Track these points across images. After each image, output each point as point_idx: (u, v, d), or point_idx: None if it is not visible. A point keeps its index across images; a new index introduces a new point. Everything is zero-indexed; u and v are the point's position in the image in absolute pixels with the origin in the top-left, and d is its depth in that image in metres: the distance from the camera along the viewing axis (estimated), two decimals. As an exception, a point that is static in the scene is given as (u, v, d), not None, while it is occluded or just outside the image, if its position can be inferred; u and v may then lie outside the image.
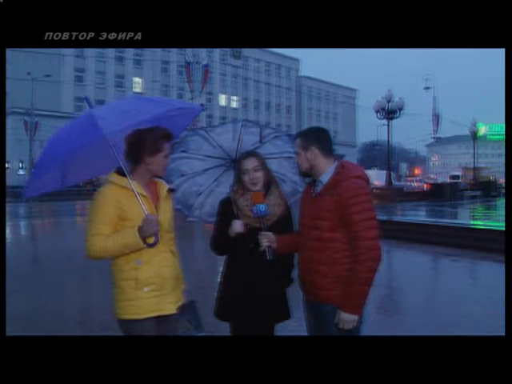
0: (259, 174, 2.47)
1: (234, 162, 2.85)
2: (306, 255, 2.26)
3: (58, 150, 2.15)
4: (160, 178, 2.33)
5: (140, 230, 2.08)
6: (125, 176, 2.14)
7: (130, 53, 43.09)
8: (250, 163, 2.48)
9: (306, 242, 2.25)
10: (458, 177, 38.57)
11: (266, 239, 2.35)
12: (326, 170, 2.22)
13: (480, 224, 10.30)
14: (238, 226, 2.43)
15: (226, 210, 2.54)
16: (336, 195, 2.13)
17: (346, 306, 2.12)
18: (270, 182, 2.54)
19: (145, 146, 2.15)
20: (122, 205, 2.13)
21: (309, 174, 2.29)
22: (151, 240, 2.13)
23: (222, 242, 2.54)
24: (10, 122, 33.30)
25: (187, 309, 2.41)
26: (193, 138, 2.93)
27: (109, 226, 2.12)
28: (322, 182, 2.22)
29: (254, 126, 2.93)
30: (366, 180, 2.24)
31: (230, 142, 2.87)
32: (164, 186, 2.29)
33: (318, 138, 2.26)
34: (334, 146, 2.32)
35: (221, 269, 2.67)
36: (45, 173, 2.25)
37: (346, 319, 2.12)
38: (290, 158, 2.85)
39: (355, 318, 2.12)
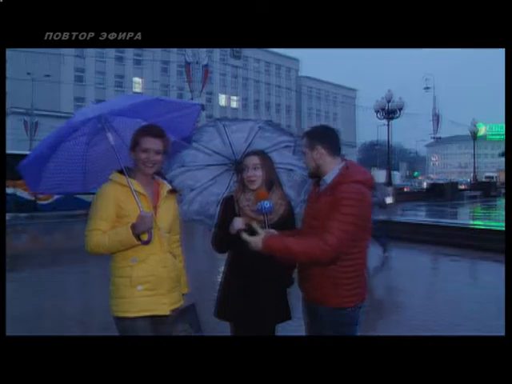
0: (258, 173, 2.47)
1: (237, 164, 2.82)
2: None
3: (45, 147, 2.32)
4: (163, 177, 2.37)
5: (134, 226, 2.11)
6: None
7: (130, 53, 42.97)
8: (250, 161, 2.48)
9: None
10: (491, 177, 43.21)
11: None
12: (331, 169, 2.20)
13: (480, 224, 10.29)
14: (238, 223, 2.43)
15: (228, 208, 2.53)
16: (332, 196, 2.12)
17: (268, 241, 2.08)
18: (272, 183, 2.54)
19: (131, 141, 2.23)
20: (120, 202, 2.17)
21: (317, 175, 2.27)
22: (145, 237, 2.15)
23: (223, 239, 2.54)
24: (9, 122, 33.23)
25: (188, 312, 2.41)
26: (208, 128, 2.87)
27: (107, 222, 2.16)
28: (326, 182, 2.21)
29: (271, 131, 2.86)
30: (369, 185, 2.19)
31: (242, 142, 2.82)
32: (165, 187, 2.31)
33: (324, 137, 2.24)
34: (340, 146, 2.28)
35: (220, 269, 2.66)
36: (51, 173, 2.37)
37: (254, 240, 2.09)
38: (287, 146, 2.83)
39: (259, 246, 2.08)
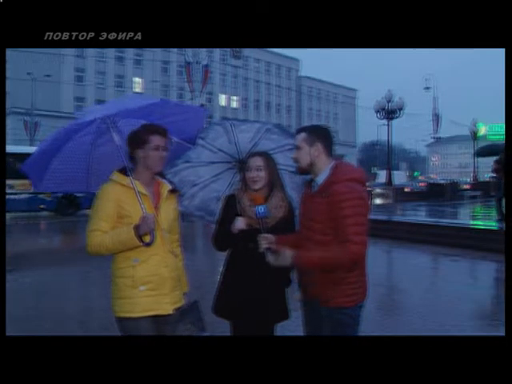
0: (261, 174, 2.48)
1: (240, 163, 2.83)
2: None
3: (49, 145, 2.32)
4: (163, 177, 2.37)
5: (136, 227, 2.10)
6: (127, 175, 2.18)
7: (130, 53, 43.00)
8: (254, 162, 2.49)
9: (302, 243, 2.25)
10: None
11: (265, 241, 2.34)
12: (324, 169, 2.21)
13: (480, 224, 10.30)
14: (240, 223, 2.43)
15: (230, 206, 2.53)
16: (327, 197, 2.12)
17: (297, 255, 2.11)
18: (274, 184, 2.54)
19: (135, 140, 2.22)
20: (121, 202, 2.16)
21: (307, 172, 2.27)
22: (147, 239, 2.14)
23: (223, 237, 2.54)
24: (10, 122, 33.25)
25: (191, 310, 2.40)
26: (215, 127, 2.88)
27: (107, 222, 2.16)
28: (317, 183, 2.22)
29: (277, 134, 2.86)
30: (362, 182, 2.19)
31: (247, 142, 2.84)
32: (166, 186, 2.31)
33: (324, 135, 2.26)
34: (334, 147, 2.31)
35: (220, 269, 2.67)
36: (53, 171, 2.38)
37: (285, 255, 2.11)
38: (291, 149, 2.83)
39: (288, 261, 2.12)
